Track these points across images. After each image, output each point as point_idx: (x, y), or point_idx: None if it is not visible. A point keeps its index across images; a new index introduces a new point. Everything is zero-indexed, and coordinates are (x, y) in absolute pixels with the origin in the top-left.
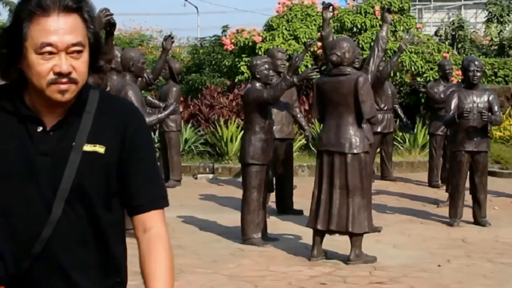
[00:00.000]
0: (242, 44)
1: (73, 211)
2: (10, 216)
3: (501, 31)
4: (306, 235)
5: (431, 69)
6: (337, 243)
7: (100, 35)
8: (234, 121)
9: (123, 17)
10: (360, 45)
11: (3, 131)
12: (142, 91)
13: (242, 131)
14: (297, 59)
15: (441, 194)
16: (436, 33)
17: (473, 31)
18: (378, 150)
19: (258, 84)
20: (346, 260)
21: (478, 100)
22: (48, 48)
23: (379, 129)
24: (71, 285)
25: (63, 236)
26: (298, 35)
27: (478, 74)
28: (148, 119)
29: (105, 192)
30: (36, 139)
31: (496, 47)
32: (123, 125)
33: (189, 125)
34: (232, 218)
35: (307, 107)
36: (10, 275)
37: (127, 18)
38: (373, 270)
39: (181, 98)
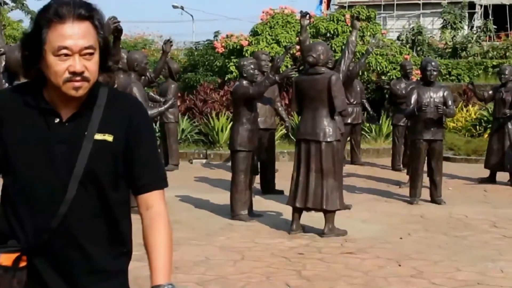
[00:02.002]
0: (231, 48)
1: (85, 191)
2: (31, 196)
3: (454, 36)
4: (286, 212)
5: (394, 69)
6: (313, 218)
7: (109, 40)
8: (224, 113)
9: (129, 24)
10: (333, 49)
11: (25, 122)
12: (145, 88)
13: (231, 123)
14: (278, 60)
15: (403, 176)
16: (398, 38)
17: (430, 36)
18: (348, 138)
19: (245, 82)
20: (321, 233)
21: (434, 95)
22: (64, 51)
23: (349, 121)
24: (84, 254)
25: (77, 212)
26: (280, 40)
27: (435, 73)
28: (150, 112)
29: (113, 174)
30: (53, 129)
31: (450, 50)
32: (129, 117)
33: (186, 117)
34: (222, 197)
35: (287, 102)
36: (32, 247)
37: (132, 25)
38: (344, 242)
39: (179, 94)
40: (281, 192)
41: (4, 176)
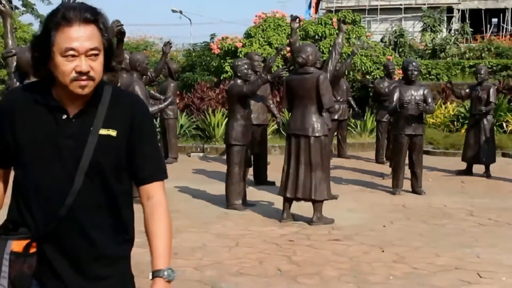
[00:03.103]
0: (226, 49)
1: (91, 182)
2: (40, 187)
3: (433, 38)
4: (278, 201)
5: (378, 69)
6: (302, 208)
7: (113, 42)
8: (220, 110)
9: (131, 27)
10: (321, 50)
11: (35, 119)
12: (146, 87)
13: (226, 119)
14: (270, 61)
15: (386, 168)
16: (381, 40)
17: (411, 38)
18: (335, 133)
19: (239, 81)
20: (309, 221)
21: (415, 93)
22: (71, 52)
23: (336, 117)
24: (89, 241)
25: (83, 202)
26: (271, 42)
27: (415, 73)
28: (151, 109)
29: (117, 167)
30: (61, 125)
31: (429, 51)
32: (131, 114)
33: (184, 113)
34: (218, 188)
35: (278, 99)
36: (41, 235)
37: (134, 28)
38: (331, 230)
39: (178, 92)
40: (272, 183)
41: (15, 169)
